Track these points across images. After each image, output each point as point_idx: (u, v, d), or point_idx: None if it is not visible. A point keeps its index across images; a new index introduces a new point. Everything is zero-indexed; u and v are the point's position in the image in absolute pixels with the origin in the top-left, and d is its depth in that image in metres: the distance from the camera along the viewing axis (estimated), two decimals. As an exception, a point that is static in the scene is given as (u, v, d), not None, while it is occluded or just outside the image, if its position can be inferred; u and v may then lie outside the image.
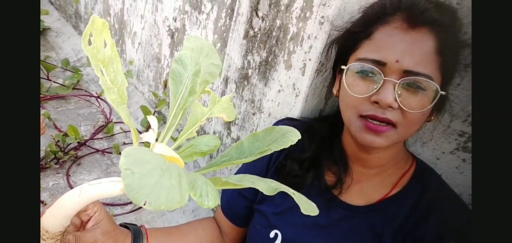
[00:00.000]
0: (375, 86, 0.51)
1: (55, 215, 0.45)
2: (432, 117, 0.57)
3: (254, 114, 0.92)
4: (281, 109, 0.84)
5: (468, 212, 0.57)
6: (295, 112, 0.80)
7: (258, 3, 0.83)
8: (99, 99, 1.79)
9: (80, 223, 0.58)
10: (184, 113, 0.47)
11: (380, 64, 0.51)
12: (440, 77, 0.52)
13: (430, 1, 0.52)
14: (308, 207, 0.39)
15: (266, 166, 0.71)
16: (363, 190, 0.63)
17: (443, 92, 0.51)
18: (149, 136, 0.43)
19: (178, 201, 0.27)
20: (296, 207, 0.65)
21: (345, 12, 0.69)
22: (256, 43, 0.87)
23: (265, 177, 0.71)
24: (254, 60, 0.88)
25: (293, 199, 0.65)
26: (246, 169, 0.73)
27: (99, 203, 0.57)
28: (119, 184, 0.44)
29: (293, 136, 0.45)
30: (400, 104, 0.50)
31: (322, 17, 0.69)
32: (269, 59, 0.84)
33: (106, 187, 0.44)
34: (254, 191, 0.72)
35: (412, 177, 0.61)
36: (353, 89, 0.54)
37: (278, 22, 0.80)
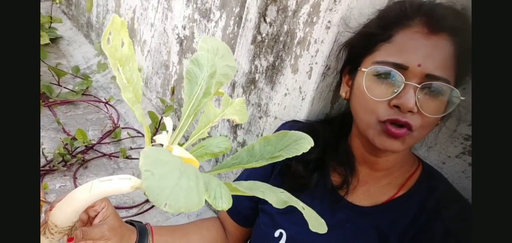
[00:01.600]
0: (395, 90, 0.51)
1: (65, 209, 0.46)
2: (439, 122, 0.58)
3: (260, 118, 0.93)
4: (287, 112, 0.85)
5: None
6: (301, 115, 0.81)
7: (266, 9, 0.85)
8: (107, 105, 1.82)
9: (87, 219, 0.58)
10: (197, 114, 0.48)
11: (402, 67, 0.51)
12: (455, 81, 0.52)
13: (447, 8, 0.53)
14: (316, 224, 0.39)
15: (272, 167, 0.71)
16: (370, 191, 0.63)
17: (462, 98, 0.51)
18: (162, 138, 0.44)
19: (196, 203, 0.27)
20: (302, 206, 0.66)
21: (351, 17, 0.70)
22: (263, 48, 0.88)
23: (270, 177, 0.71)
24: (261, 65, 0.90)
25: (298, 198, 0.66)
26: (251, 170, 0.74)
27: (106, 199, 0.58)
28: (129, 181, 0.44)
29: (306, 143, 0.44)
30: (420, 109, 0.50)
31: (329, 21, 0.71)
32: (276, 64, 0.85)
33: (116, 184, 0.45)
34: None
35: (419, 179, 0.61)
36: (372, 92, 0.53)
37: (285, 27, 0.82)
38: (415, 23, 0.52)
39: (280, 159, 0.42)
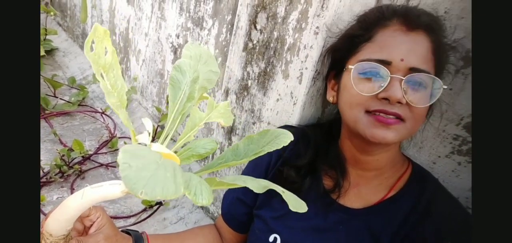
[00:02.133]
0: (382, 85, 0.54)
1: (58, 218, 0.47)
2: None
3: (254, 123, 0.94)
4: (280, 117, 0.86)
5: (465, 214, 0.58)
6: (293, 120, 0.82)
7: (256, 16, 0.87)
8: (103, 115, 1.82)
9: (83, 229, 0.59)
10: (182, 118, 0.49)
11: (385, 63, 0.54)
12: (434, 75, 0.55)
13: (420, 9, 0.57)
14: (296, 204, 0.40)
15: (264, 173, 0.72)
16: (361, 193, 0.64)
17: (445, 87, 0.54)
18: (143, 137, 0.45)
19: (173, 191, 0.29)
20: (294, 212, 0.67)
21: (339, 22, 0.72)
22: (255, 55, 0.90)
23: None
24: (253, 71, 0.91)
25: (291, 203, 0.67)
26: (246, 174, 0.75)
27: (101, 208, 0.59)
28: (120, 186, 0.45)
29: (286, 138, 0.46)
30: (407, 100, 0.53)
31: (317, 27, 0.72)
32: (268, 70, 0.87)
33: (107, 189, 0.46)
34: (254, 197, 0.73)
35: (409, 179, 0.62)
36: (359, 88, 0.56)
37: (275, 34, 0.83)
38: (393, 22, 0.56)
39: (263, 154, 0.44)
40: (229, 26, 1.18)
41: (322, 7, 0.70)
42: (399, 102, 0.53)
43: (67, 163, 1.41)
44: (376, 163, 0.62)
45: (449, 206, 0.59)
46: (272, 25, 0.83)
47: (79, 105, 1.88)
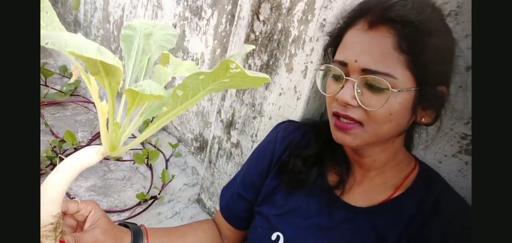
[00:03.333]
0: (341, 86, 0.54)
1: (41, 203, 0.45)
2: (423, 119, 0.56)
3: (254, 118, 0.92)
4: (282, 112, 0.83)
5: (472, 214, 0.56)
6: (297, 115, 0.80)
7: (259, 7, 0.84)
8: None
9: (76, 225, 0.57)
10: (144, 73, 0.48)
11: (343, 65, 0.53)
12: (410, 75, 0.50)
13: (397, 2, 0.51)
14: (258, 80, 0.37)
15: (268, 166, 0.70)
16: (366, 191, 0.63)
17: (394, 90, 0.49)
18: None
19: (93, 51, 0.29)
20: (298, 208, 0.65)
21: (327, 21, 0.69)
22: (257, 47, 0.87)
23: (266, 177, 0.70)
24: (255, 64, 0.88)
25: (295, 200, 0.65)
26: (248, 168, 0.73)
27: (93, 202, 0.57)
28: (95, 150, 0.44)
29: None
30: (359, 102, 0.51)
31: (324, 19, 0.70)
32: (270, 63, 0.84)
33: (82, 156, 0.45)
34: (255, 193, 0.71)
35: (416, 179, 0.61)
36: (326, 90, 0.57)
37: (279, 25, 0.80)
38: (360, 21, 0.54)
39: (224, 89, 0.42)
40: (229, 16, 1.14)
41: (330, -2, 0.68)
42: (350, 105, 0.52)
43: (59, 155, 1.37)
44: (375, 163, 0.61)
45: (457, 207, 0.58)
46: (276, 16, 0.80)
47: (71, 95, 1.83)
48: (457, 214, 0.56)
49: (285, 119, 0.80)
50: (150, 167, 1.39)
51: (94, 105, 1.78)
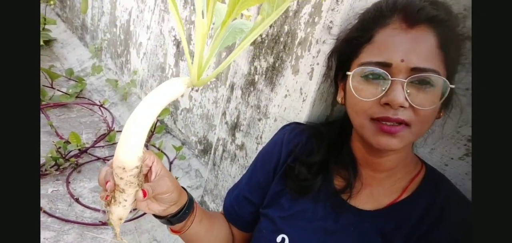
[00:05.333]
0: (383, 89, 0.51)
1: (127, 143, 0.41)
2: (441, 114, 0.57)
3: (260, 120, 0.92)
4: (287, 114, 0.83)
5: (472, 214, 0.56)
6: (302, 117, 0.80)
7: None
8: (101, 108, 1.79)
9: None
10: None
11: (385, 65, 0.51)
12: (445, 72, 0.52)
13: (422, 1, 0.53)
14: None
15: (274, 169, 0.70)
16: (373, 194, 0.62)
17: (452, 86, 0.51)
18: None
19: None
20: (304, 211, 0.64)
21: (353, 17, 0.70)
22: (263, 49, 0.87)
23: (272, 181, 0.70)
24: (260, 66, 0.89)
25: (301, 203, 0.64)
26: (254, 170, 0.73)
27: (154, 154, 0.55)
28: (181, 81, 0.42)
29: None
30: (411, 103, 0.50)
31: (331, 22, 0.70)
32: (276, 65, 0.84)
33: (168, 87, 0.41)
34: (261, 195, 0.71)
35: (422, 181, 0.60)
36: (361, 94, 0.53)
37: (286, 28, 0.81)
38: (393, 20, 0.52)
39: None
40: (235, 20, 1.15)
41: (337, 0, 0.68)
42: (402, 107, 0.50)
43: (63, 156, 1.37)
44: (388, 164, 0.60)
45: (464, 210, 0.57)
46: (282, 18, 0.81)
47: (76, 97, 1.84)
48: (464, 218, 0.56)
49: (291, 121, 0.80)
50: (154, 169, 1.40)
51: (99, 107, 1.79)
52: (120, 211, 0.46)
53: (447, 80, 0.50)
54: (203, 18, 0.42)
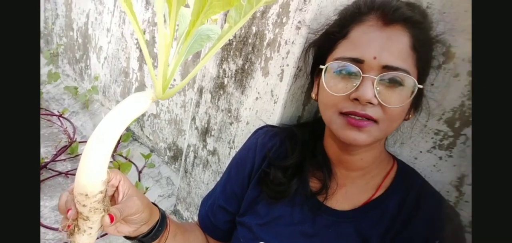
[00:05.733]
0: (354, 84, 0.51)
1: (88, 168, 0.38)
2: (410, 115, 0.58)
3: (231, 123, 0.90)
4: (259, 117, 0.82)
5: (452, 209, 0.58)
6: (274, 119, 0.79)
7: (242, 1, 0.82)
8: (61, 118, 1.67)
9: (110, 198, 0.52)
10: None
11: (358, 61, 0.51)
12: (416, 72, 0.53)
13: (401, 1, 0.55)
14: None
15: (249, 175, 0.68)
16: (348, 194, 0.62)
17: (420, 86, 0.52)
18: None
19: None
20: (282, 216, 0.63)
21: (321, 16, 0.69)
22: (231, 51, 0.85)
23: (247, 187, 0.68)
24: (229, 69, 0.86)
25: (278, 208, 0.63)
26: (228, 178, 0.70)
27: (120, 172, 0.53)
28: (145, 96, 0.39)
29: None
30: (380, 100, 0.50)
31: (299, 22, 0.69)
32: (246, 67, 0.82)
33: (130, 104, 0.38)
34: (237, 203, 0.69)
35: (395, 178, 0.61)
36: (332, 88, 0.54)
37: (254, 29, 0.79)
38: (370, 17, 0.53)
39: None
40: (201, 21, 1.12)
41: (304, 1, 0.68)
42: (370, 103, 0.50)
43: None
44: (361, 163, 0.61)
45: (435, 202, 0.59)
46: (250, 19, 0.79)
47: (31, 108, 1.71)
48: (437, 210, 0.57)
49: (263, 124, 0.79)
50: (122, 180, 1.33)
51: (58, 118, 1.68)
52: (84, 240, 0.42)
53: (415, 81, 0.51)
54: (165, 27, 0.39)
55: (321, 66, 0.56)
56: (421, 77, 0.54)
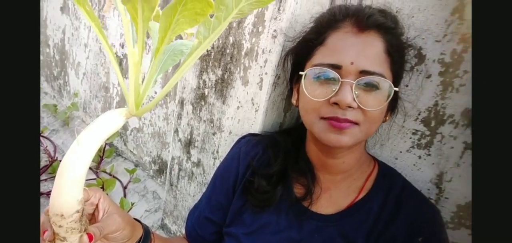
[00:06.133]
0: (334, 89, 0.52)
1: (63, 188, 0.38)
2: (387, 118, 0.60)
3: (214, 134, 0.89)
4: (241, 126, 0.82)
5: (432, 207, 0.59)
6: (256, 127, 0.79)
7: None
8: (41, 137, 1.63)
9: (90, 217, 0.52)
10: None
11: (336, 67, 0.52)
12: (391, 76, 0.55)
13: (373, 8, 0.57)
14: None
15: (233, 185, 0.68)
16: (332, 197, 0.63)
17: (396, 89, 0.54)
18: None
19: None
20: (268, 224, 0.63)
21: (297, 24, 0.70)
22: (210, 62, 0.85)
23: (232, 197, 0.68)
24: (209, 79, 0.86)
25: (264, 216, 0.63)
26: (213, 188, 0.70)
27: (100, 190, 0.53)
28: (118, 114, 0.39)
29: None
30: (359, 104, 0.52)
31: (275, 30, 0.70)
32: (225, 77, 0.82)
33: (104, 122, 0.38)
34: (222, 214, 0.68)
35: (376, 179, 0.62)
36: (312, 93, 0.54)
37: (231, 39, 0.79)
38: (345, 24, 0.55)
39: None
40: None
41: (278, 10, 0.68)
42: (350, 107, 0.52)
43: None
44: (343, 166, 0.61)
45: (417, 201, 0.60)
46: (227, 29, 0.79)
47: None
48: (419, 209, 0.59)
49: (245, 133, 0.79)
50: (106, 197, 1.30)
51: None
52: None
53: (391, 83, 0.53)
54: (133, 45, 0.39)
55: (300, 73, 0.57)
56: (396, 80, 0.56)
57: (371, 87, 0.52)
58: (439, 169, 0.67)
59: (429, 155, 0.68)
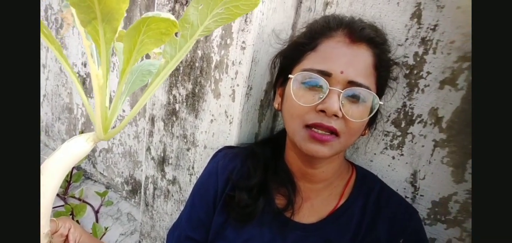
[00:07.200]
0: (321, 96, 0.52)
1: None
2: (366, 131, 0.61)
3: (188, 149, 0.86)
4: (216, 139, 0.80)
5: (410, 207, 0.60)
6: (232, 140, 0.77)
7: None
8: None
9: None
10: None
11: (326, 74, 0.53)
12: (376, 90, 0.55)
13: (365, 22, 0.58)
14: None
15: (213, 201, 0.66)
16: (314, 206, 0.63)
17: (381, 103, 0.55)
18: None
19: None
20: (251, 238, 0.62)
21: (264, 35, 0.69)
22: (179, 76, 0.82)
23: (213, 213, 0.66)
24: (180, 94, 0.83)
25: (247, 230, 0.62)
26: (192, 206, 0.68)
27: (70, 220, 0.52)
28: (84, 140, 0.38)
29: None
30: (344, 114, 0.52)
31: (243, 42, 0.69)
32: (196, 90, 0.80)
33: (70, 149, 0.37)
34: (204, 231, 0.66)
35: (355, 184, 0.63)
36: (299, 99, 0.54)
37: (199, 52, 0.77)
38: (338, 33, 0.55)
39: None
40: (145, 47, 1.07)
41: (245, 21, 0.67)
42: (335, 116, 0.52)
43: None
44: (323, 175, 0.62)
45: (395, 202, 0.61)
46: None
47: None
48: (398, 210, 0.60)
49: (221, 147, 0.77)
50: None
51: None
52: None
53: (377, 97, 0.53)
54: (97, 68, 0.36)
55: (290, 76, 0.57)
56: (379, 95, 0.57)
57: (357, 99, 0.52)
58: (412, 168, 0.69)
59: (402, 155, 0.69)
